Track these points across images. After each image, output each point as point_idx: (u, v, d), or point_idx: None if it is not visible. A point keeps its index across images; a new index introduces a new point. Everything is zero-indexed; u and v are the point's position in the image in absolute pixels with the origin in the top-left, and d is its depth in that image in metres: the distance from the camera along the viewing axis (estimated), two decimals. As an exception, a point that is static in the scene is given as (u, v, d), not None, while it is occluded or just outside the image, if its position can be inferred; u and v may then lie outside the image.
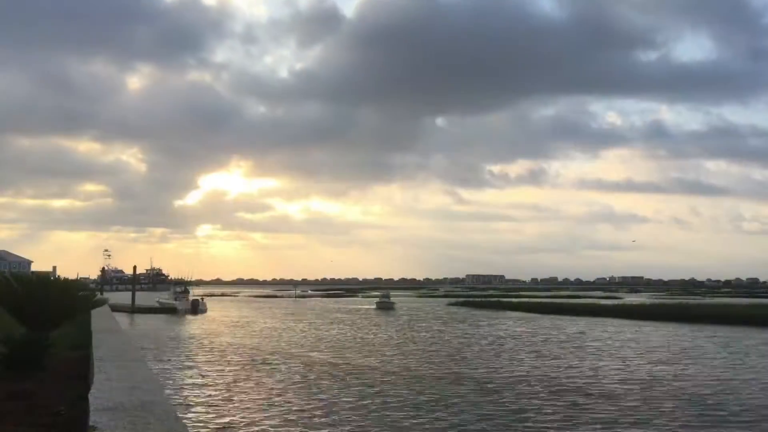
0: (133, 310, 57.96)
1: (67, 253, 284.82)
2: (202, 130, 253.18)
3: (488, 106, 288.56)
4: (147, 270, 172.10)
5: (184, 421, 5.12)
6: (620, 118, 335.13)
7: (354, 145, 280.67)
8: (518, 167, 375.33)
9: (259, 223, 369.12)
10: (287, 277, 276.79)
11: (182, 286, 75.36)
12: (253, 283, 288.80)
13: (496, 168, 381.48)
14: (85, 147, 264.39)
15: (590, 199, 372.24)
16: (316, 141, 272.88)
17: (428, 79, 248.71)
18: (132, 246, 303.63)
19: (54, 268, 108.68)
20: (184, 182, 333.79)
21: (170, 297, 69.57)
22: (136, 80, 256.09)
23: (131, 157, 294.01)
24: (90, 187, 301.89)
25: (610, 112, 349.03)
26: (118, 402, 4.56)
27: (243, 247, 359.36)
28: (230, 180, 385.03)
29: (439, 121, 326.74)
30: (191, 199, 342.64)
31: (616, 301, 78.96)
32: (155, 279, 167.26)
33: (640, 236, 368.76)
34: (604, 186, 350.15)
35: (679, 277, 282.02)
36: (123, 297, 68.90)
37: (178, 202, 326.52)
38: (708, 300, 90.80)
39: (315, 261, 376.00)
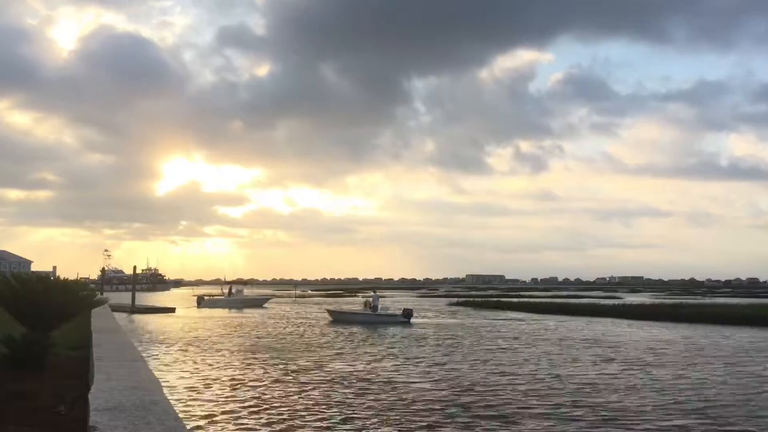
0: (133, 310, 58.05)
1: (54, 252, 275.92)
2: (138, 98, 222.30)
3: (474, 60, 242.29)
4: (144, 270, 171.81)
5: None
6: (640, 78, 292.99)
7: (323, 117, 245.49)
8: (518, 148, 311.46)
9: (242, 219, 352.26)
10: (286, 276, 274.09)
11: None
12: (252, 282, 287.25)
13: (492, 149, 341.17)
14: (12, 120, 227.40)
15: (597, 188, 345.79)
16: (277, 112, 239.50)
17: (399, 26, 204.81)
18: (116, 243, 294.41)
19: (54, 268, 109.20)
20: (145, 169, 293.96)
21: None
22: (49, 26, 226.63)
23: (71, 137, 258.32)
24: (41, 174, 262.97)
25: (625, 67, 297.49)
26: (118, 402, 4.56)
27: (231, 245, 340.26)
28: (195, 167, 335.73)
29: (418, 83, 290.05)
30: (160, 191, 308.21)
31: (616, 302, 78.88)
32: (154, 279, 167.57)
33: (648, 233, 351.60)
34: (613, 171, 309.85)
35: (679, 277, 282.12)
36: (125, 297, 68.94)
37: (146, 194, 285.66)
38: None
39: (312, 260, 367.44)
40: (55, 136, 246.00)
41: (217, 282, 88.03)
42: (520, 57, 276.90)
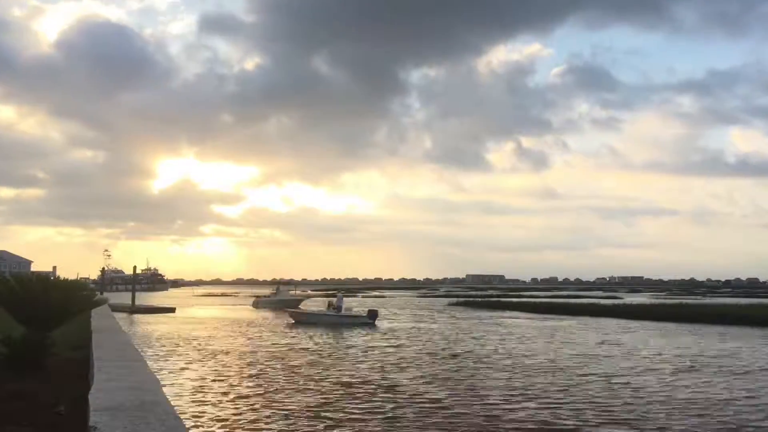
0: (133, 310, 58.14)
1: (51, 251, 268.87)
2: (124, 91, 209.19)
3: (472, 50, 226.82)
4: (144, 270, 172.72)
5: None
6: (646, 68, 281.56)
7: (316, 111, 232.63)
8: (520, 143, 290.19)
9: (238, 218, 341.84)
10: (286, 276, 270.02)
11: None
12: (253, 283, 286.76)
13: (492, 144, 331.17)
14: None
15: (599, 186, 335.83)
16: (268, 105, 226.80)
17: (394, 14, 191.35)
18: (112, 243, 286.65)
19: (54, 268, 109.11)
20: (136, 166, 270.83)
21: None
22: (33, 17, 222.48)
23: (57, 132, 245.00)
24: (29, 171, 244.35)
25: (631, 57, 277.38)
26: (118, 402, 4.57)
27: (229, 244, 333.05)
28: (187, 164, 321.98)
29: (414, 74, 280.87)
30: (153, 189, 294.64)
31: (617, 302, 78.88)
32: (153, 279, 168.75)
33: (650, 232, 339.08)
34: (617, 168, 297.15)
35: (678, 277, 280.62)
36: (126, 297, 69.05)
37: (139, 192, 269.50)
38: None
39: (311, 260, 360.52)
40: (40, 131, 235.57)
41: (216, 282, 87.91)
42: (522, 46, 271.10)
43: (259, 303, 70.61)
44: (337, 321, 42.74)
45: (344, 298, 48.47)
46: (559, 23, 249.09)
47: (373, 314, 43.82)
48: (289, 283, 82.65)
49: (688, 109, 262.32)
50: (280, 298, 69.27)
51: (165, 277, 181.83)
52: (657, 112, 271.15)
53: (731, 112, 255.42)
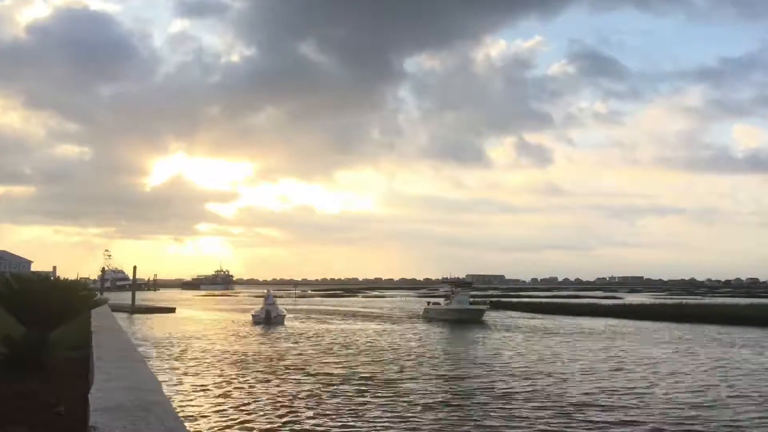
0: (133, 310, 58.22)
1: (46, 251, 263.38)
2: (110, 85, 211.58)
3: (471, 38, 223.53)
4: (217, 272, 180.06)
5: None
6: (654, 57, 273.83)
7: (307, 103, 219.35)
8: (523, 137, 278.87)
9: (233, 218, 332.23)
10: (286, 276, 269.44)
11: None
12: (253, 283, 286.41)
13: (494, 139, 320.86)
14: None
15: (602, 183, 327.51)
16: (257, 96, 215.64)
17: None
18: (107, 243, 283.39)
19: (54, 268, 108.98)
20: (126, 163, 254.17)
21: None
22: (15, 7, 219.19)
23: (38, 126, 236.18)
24: (16, 167, 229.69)
25: (637, 43, 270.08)
26: (118, 402, 4.56)
27: (226, 243, 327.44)
28: (178, 161, 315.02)
29: (410, 63, 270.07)
30: (146, 186, 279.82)
31: (617, 302, 78.76)
32: (227, 279, 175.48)
33: (651, 231, 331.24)
34: (620, 164, 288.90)
35: (679, 277, 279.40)
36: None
37: (131, 189, 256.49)
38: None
39: (310, 260, 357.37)
40: (21, 125, 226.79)
41: (218, 281, 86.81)
42: (523, 32, 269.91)
43: (429, 313, 56.21)
44: (258, 321, 47.67)
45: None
46: (562, 6, 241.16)
47: (267, 313, 47.81)
48: (461, 282, 60.61)
49: (698, 102, 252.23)
50: (457, 306, 52.02)
51: (234, 278, 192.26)
52: (665, 103, 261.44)
53: (743, 104, 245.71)
